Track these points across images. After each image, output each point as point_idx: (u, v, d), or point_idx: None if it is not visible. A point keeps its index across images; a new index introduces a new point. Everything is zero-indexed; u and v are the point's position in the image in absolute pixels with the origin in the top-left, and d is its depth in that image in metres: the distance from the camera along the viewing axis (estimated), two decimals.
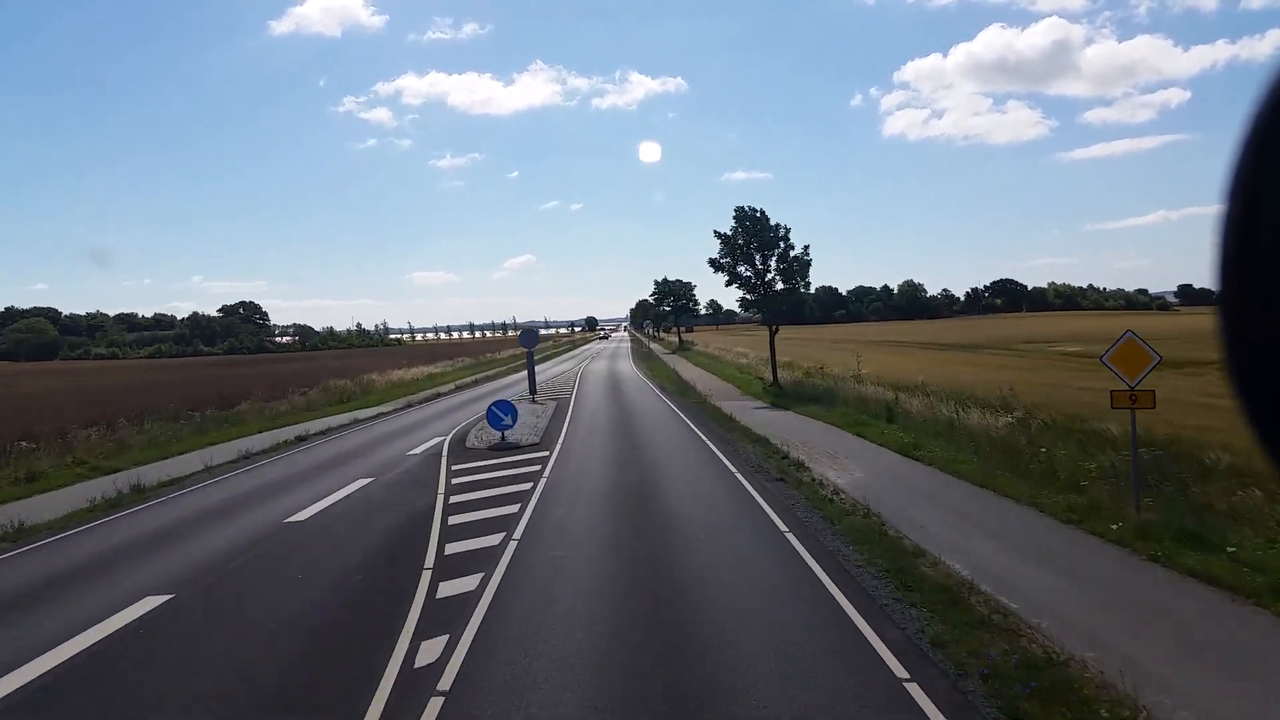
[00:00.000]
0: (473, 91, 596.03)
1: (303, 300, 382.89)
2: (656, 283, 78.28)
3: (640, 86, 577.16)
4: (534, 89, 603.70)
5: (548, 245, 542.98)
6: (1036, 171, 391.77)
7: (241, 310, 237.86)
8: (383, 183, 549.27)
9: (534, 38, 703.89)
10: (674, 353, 72.76)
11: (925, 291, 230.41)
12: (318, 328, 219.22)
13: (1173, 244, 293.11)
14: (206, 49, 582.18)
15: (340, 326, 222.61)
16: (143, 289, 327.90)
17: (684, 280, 78.54)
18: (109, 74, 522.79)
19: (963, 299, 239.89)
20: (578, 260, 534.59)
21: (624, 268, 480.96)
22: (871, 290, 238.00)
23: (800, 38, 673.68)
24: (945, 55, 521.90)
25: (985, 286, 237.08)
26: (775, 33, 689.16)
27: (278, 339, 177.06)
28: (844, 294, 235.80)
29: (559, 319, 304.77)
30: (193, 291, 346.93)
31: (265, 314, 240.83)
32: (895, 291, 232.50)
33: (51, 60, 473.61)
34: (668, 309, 79.73)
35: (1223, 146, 0.83)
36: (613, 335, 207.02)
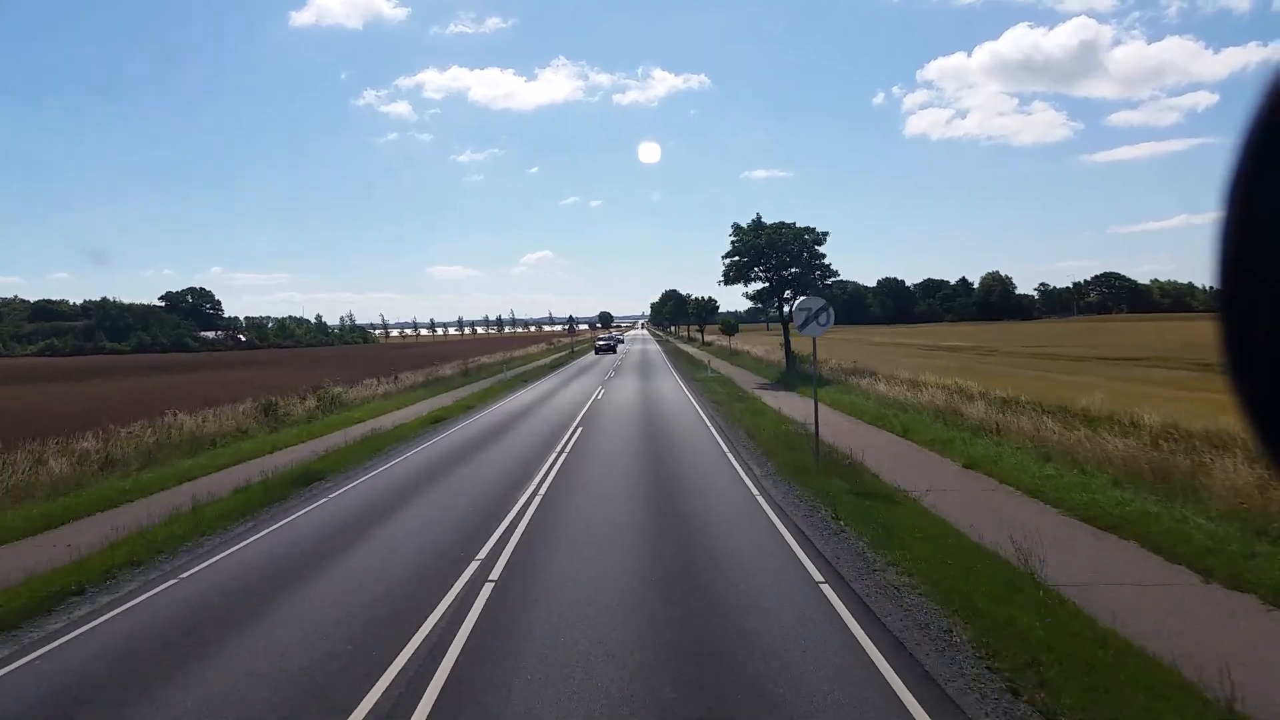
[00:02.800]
0: (494, 86, 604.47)
1: (325, 293, 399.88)
2: (738, 230, 37.88)
3: (663, 83, 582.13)
4: (556, 84, 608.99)
5: (566, 241, 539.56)
6: (1059, 174, 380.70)
7: (190, 299, 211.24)
8: (403, 177, 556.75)
9: (558, 33, 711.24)
10: (779, 386, 35.56)
11: (1014, 286, 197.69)
12: (331, 321, 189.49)
13: (1194, 248, 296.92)
14: (226, 39, 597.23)
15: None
16: (162, 279, 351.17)
17: (789, 223, 37.04)
18: (127, 67, 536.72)
19: (1033, 293, 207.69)
20: (596, 257, 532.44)
21: (642, 265, 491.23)
22: (942, 284, 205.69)
23: (824, 34, 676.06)
24: (969, 54, 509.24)
25: (1086, 281, 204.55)
26: (800, 29, 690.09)
27: (203, 334, 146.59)
28: (910, 288, 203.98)
29: (561, 314, 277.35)
30: (213, 282, 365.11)
31: (218, 303, 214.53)
32: (975, 286, 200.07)
33: (71, 57, 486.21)
34: (760, 272, 37.99)
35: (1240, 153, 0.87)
36: (627, 335, 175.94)
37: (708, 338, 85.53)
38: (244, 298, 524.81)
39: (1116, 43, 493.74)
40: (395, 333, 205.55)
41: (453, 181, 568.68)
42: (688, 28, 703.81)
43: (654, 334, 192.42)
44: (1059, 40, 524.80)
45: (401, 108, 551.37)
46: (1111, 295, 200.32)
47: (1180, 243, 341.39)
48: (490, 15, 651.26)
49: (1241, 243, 0.84)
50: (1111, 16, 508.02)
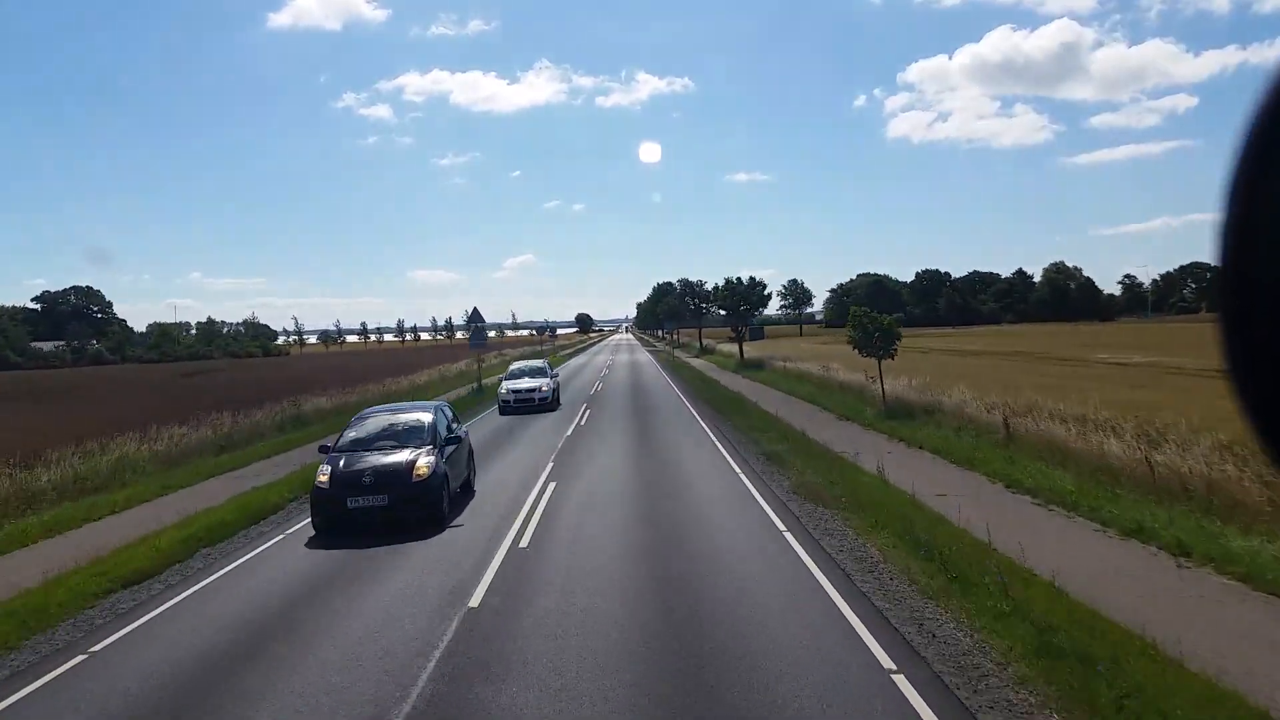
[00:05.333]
0: (476, 89, 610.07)
1: (304, 298, 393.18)
2: None
3: (646, 86, 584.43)
4: (538, 87, 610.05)
5: (549, 245, 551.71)
6: (1040, 176, 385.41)
7: (74, 298, 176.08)
8: (383, 180, 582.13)
9: (541, 35, 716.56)
10: None
11: (1078, 278, 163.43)
12: (276, 327, 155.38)
13: (1173, 250, 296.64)
14: (202, 41, 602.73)
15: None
16: (141, 284, 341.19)
17: None
18: (102, 68, 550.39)
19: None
20: (579, 261, 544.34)
21: (626, 269, 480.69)
22: (993, 278, 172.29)
23: (807, 36, 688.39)
24: (950, 57, 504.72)
25: (1172, 272, 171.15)
26: (783, 32, 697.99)
27: (35, 345, 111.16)
28: (954, 281, 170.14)
29: (535, 320, 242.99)
30: (192, 288, 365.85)
31: (109, 305, 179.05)
32: (1038, 281, 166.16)
33: (43, 53, 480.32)
34: None
35: (1227, 154, 0.89)
36: (611, 340, 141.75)
37: (742, 349, 50.21)
38: (224, 303, 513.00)
39: (1098, 45, 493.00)
40: (345, 338, 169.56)
41: (434, 185, 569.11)
42: (673, 31, 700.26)
43: (640, 339, 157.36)
44: (1040, 43, 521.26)
45: (382, 110, 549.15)
46: (1197, 290, 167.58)
47: (1161, 245, 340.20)
48: (472, 17, 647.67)
49: (1241, 243, 0.85)
50: (1093, 19, 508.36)
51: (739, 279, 48.63)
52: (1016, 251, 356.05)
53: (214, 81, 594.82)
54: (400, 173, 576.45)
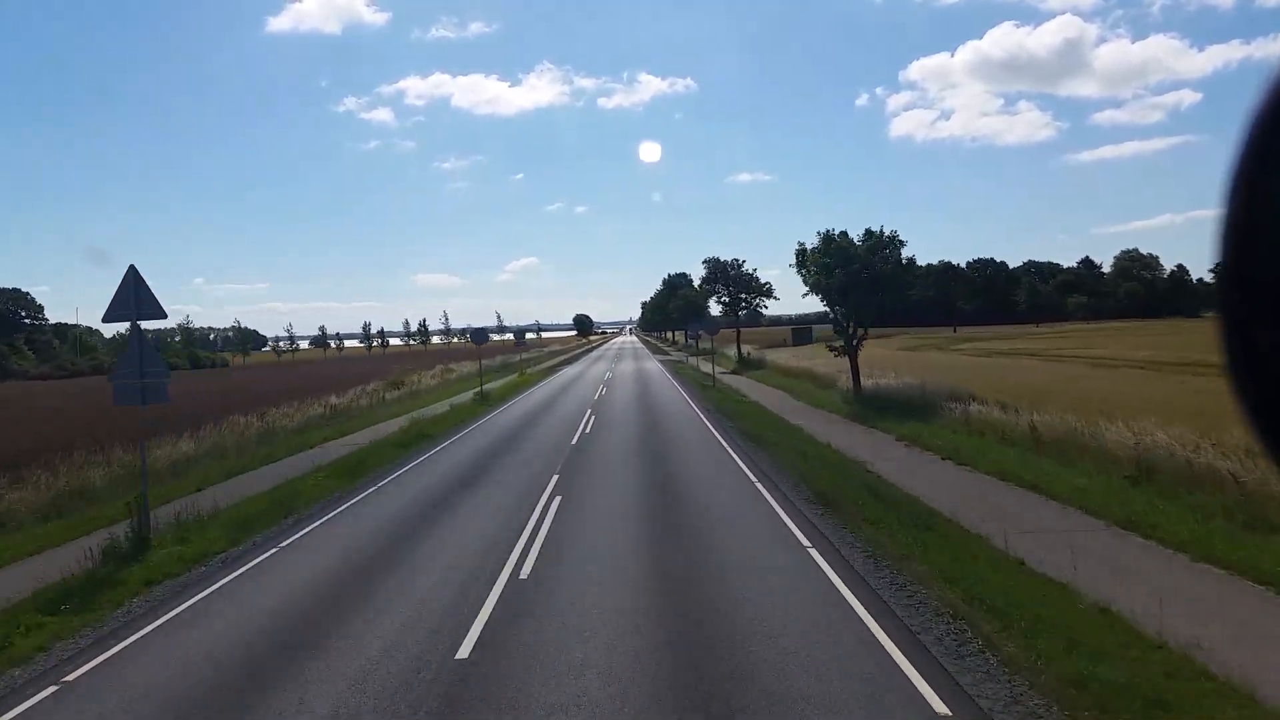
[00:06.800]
0: (477, 92, 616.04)
1: (308, 302, 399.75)
2: None
3: (649, 87, 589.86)
4: (540, 90, 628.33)
5: (551, 248, 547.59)
6: (1044, 174, 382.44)
7: None
8: (385, 184, 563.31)
9: (542, 37, 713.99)
10: None
11: (1159, 269, 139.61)
12: (270, 334, 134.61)
13: (1177, 247, 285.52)
14: (202, 46, 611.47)
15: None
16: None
17: None
18: (102, 72, 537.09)
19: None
20: (582, 263, 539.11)
21: (629, 270, 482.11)
22: (1053, 268, 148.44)
23: (809, 36, 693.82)
24: (952, 54, 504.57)
25: None
26: (785, 31, 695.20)
27: None
28: (1012, 270, 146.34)
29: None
30: (195, 294, 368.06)
31: (40, 308, 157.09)
32: (1108, 272, 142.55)
33: (44, 59, 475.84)
34: None
35: (1230, 149, 0.89)
36: (614, 344, 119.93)
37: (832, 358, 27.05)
38: (226, 308, 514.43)
39: (1101, 41, 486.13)
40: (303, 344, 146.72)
41: (436, 188, 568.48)
42: (674, 31, 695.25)
43: (646, 342, 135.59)
44: (1043, 39, 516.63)
45: (383, 115, 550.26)
46: None
47: (1163, 243, 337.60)
48: (473, 20, 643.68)
49: (1242, 242, 0.84)
50: (1095, 14, 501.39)
51: (843, 233, 25.49)
52: (1017, 249, 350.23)
53: (213, 86, 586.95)
54: (402, 176, 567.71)
